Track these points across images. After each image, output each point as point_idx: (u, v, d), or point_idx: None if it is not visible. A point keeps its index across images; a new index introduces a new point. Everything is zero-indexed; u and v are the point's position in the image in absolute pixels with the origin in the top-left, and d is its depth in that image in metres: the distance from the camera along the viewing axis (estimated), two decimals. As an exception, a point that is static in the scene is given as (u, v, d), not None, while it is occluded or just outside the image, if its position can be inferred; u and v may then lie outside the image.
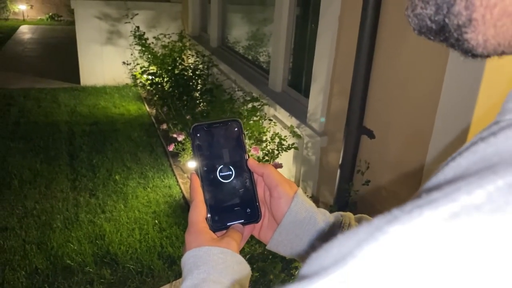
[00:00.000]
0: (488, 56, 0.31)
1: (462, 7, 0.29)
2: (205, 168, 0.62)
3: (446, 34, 0.31)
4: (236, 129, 0.64)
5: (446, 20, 0.30)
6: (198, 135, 0.62)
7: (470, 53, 0.31)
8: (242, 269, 0.54)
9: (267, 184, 0.62)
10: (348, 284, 0.21)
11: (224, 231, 0.61)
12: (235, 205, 0.62)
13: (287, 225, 0.60)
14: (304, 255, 0.62)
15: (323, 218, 0.61)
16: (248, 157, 0.63)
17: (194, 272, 0.51)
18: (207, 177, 0.62)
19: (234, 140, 0.63)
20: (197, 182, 0.61)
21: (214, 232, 0.59)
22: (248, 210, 0.62)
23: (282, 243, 0.61)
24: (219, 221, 0.61)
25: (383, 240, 0.22)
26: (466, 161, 0.27)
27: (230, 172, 0.62)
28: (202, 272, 0.50)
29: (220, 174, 0.62)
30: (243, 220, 0.62)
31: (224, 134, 0.63)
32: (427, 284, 0.20)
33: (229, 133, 0.63)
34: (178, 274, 2.63)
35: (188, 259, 0.53)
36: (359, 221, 0.64)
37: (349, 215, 0.63)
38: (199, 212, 0.58)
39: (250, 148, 2.78)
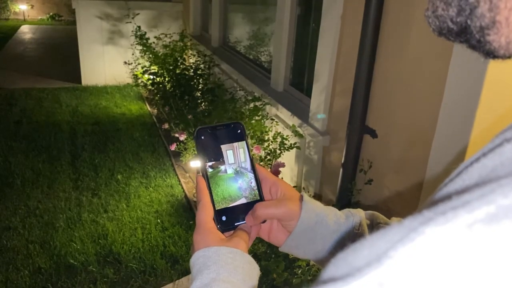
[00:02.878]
0: (509, 57, 0.31)
1: (485, 9, 0.29)
2: (210, 170, 0.63)
3: (467, 36, 0.31)
4: (239, 131, 0.65)
5: (469, 22, 0.30)
6: (203, 137, 0.64)
7: (491, 54, 0.31)
8: (252, 268, 0.54)
9: (273, 219, 0.63)
10: (385, 285, 0.21)
11: (232, 231, 0.62)
12: (242, 206, 0.63)
13: (299, 233, 0.61)
14: (320, 256, 0.62)
15: (334, 218, 0.62)
16: (252, 158, 0.65)
17: (203, 272, 0.51)
18: (213, 179, 0.63)
19: (237, 142, 0.65)
20: (203, 184, 0.61)
21: (222, 232, 0.60)
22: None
23: (295, 247, 0.63)
24: (227, 221, 0.62)
25: (420, 241, 0.22)
26: (492, 162, 0.27)
27: (235, 173, 0.64)
28: (212, 271, 0.51)
29: (225, 175, 0.63)
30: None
31: (227, 136, 0.65)
32: (467, 286, 0.20)
33: (232, 135, 0.65)
34: (181, 273, 2.63)
35: (197, 259, 0.53)
36: (370, 218, 0.64)
37: (359, 212, 0.64)
38: (207, 213, 0.59)
39: (252, 148, 2.79)
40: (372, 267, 0.22)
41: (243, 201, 0.63)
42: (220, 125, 0.65)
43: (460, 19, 0.30)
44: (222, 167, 0.63)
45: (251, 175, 0.64)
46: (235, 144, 0.64)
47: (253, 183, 0.64)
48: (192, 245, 0.58)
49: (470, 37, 0.31)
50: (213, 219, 0.60)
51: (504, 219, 0.21)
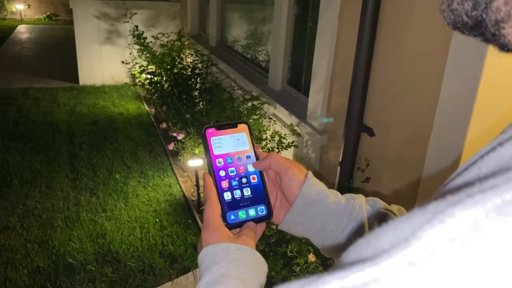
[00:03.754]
0: None
1: (501, 2, 0.29)
2: (217, 168, 0.64)
3: (482, 30, 0.31)
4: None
5: (484, 16, 0.31)
6: (209, 136, 0.65)
7: (506, 48, 0.32)
8: (260, 265, 0.55)
9: (277, 171, 0.64)
10: (416, 264, 0.21)
11: (238, 228, 0.63)
12: (247, 203, 0.64)
13: (299, 207, 0.62)
14: (318, 236, 0.63)
15: (334, 199, 0.63)
16: (258, 156, 0.66)
17: (213, 268, 0.51)
18: (219, 177, 0.64)
19: (243, 141, 0.67)
20: (211, 181, 0.63)
21: (229, 229, 0.60)
22: (260, 208, 0.65)
23: (293, 224, 0.64)
24: (233, 219, 0.63)
25: (452, 223, 0.22)
26: (509, 151, 0.27)
27: (241, 172, 0.65)
28: (221, 267, 0.51)
29: (231, 173, 0.65)
30: (255, 218, 0.64)
31: (234, 135, 0.66)
32: (504, 268, 0.20)
33: (238, 134, 0.67)
34: (180, 272, 2.64)
35: (206, 255, 0.54)
36: (371, 204, 0.65)
37: (360, 197, 0.65)
38: (214, 210, 0.60)
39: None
40: (400, 248, 0.22)
41: (248, 199, 0.64)
42: (227, 124, 0.66)
43: (475, 13, 0.31)
44: (228, 165, 0.65)
45: (256, 173, 0.66)
46: (241, 141, 0.66)
47: (258, 181, 0.65)
48: (200, 242, 0.58)
49: (485, 30, 0.31)
50: (220, 216, 0.61)
51: None
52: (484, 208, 0.22)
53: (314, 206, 0.61)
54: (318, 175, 2.81)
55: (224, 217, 0.62)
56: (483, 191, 0.23)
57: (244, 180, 0.65)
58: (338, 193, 0.65)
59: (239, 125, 0.67)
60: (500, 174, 0.24)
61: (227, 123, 0.66)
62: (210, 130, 0.65)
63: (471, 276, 0.20)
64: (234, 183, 0.65)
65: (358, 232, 0.62)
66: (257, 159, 0.66)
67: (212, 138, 0.65)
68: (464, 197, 0.23)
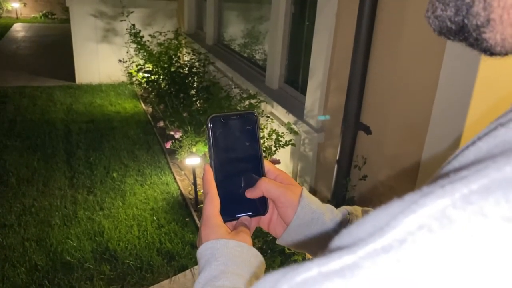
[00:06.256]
0: (506, 54, 0.33)
1: (480, 8, 0.30)
2: (219, 160, 0.62)
3: (465, 34, 0.33)
4: (252, 122, 0.63)
5: (465, 21, 0.32)
6: (214, 126, 0.62)
7: (488, 51, 0.33)
8: (258, 262, 0.56)
9: (270, 198, 0.63)
10: (389, 252, 0.23)
11: (233, 222, 0.63)
12: (245, 198, 0.63)
13: (295, 228, 0.62)
14: (317, 252, 0.64)
15: (330, 216, 0.63)
16: (261, 150, 0.64)
17: (212, 264, 0.52)
18: (220, 169, 0.62)
19: (249, 133, 0.63)
20: (211, 174, 0.61)
21: (224, 222, 0.60)
22: (256, 203, 0.64)
23: (291, 241, 0.64)
24: (229, 212, 0.62)
25: (422, 212, 0.23)
26: (487, 145, 0.28)
27: (243, 165, 0.63)
28: (220, 264, 0.52)
29: (233, 166, 0.63)
30: (251, 213, 0.63)
31: (240, 126, 0.63)
32: (471, 252, 0.21)
33: (245, 125, 0.63)
34: (177, 270, 2.65)
35: (205, 250, 0.54)
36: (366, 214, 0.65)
37: (356, 209, 0.65)
38: (215, 206, 0.59)
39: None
40: (376, 237, 0.24)
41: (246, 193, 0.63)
42: (234, 114, 0.63)
43: (458, 19, 0.32)
44: (231, 157, 0.63)
45: (257, 168, 0.64)
46: (247, 135, 0.63)
47: (258, 176, 0.64)
48: (199, 237, 0.58)
49: (468, 35, 0.32)
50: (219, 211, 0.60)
51: (497, 190, 0.22)
52: (452, 197, 0.23)
53: (310, 225, 0.62)
54: (316, 175, 2.83)
55: (221, 210, 0.60)
56: (452, 182, 0.24)
57: (243, 173, 0.63)
58: (334, 209, 0.65)
59: (246, 116, 0.63)
60: (473, 165, 0.25)
61: (235, 114, 0.63)
62: (216, 120, 0.62)
63: (438, 261, 0.21)
64: (234, 176, 0.63)
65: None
66: (260, 151, 0.64)
67: (216, 128, 0.62)
68: (436, 188, 0.24)
